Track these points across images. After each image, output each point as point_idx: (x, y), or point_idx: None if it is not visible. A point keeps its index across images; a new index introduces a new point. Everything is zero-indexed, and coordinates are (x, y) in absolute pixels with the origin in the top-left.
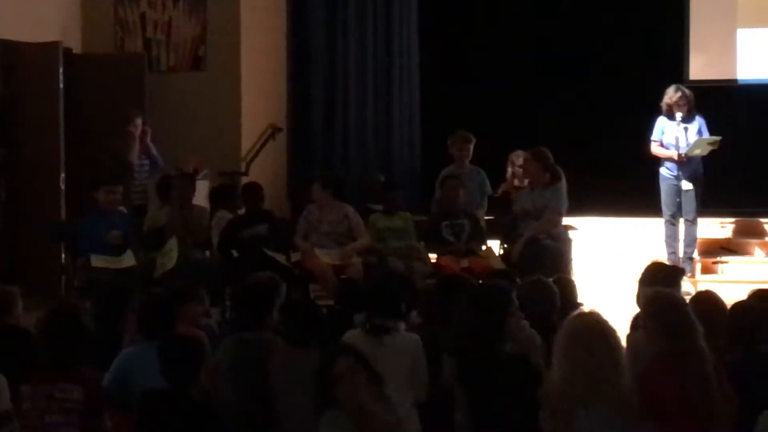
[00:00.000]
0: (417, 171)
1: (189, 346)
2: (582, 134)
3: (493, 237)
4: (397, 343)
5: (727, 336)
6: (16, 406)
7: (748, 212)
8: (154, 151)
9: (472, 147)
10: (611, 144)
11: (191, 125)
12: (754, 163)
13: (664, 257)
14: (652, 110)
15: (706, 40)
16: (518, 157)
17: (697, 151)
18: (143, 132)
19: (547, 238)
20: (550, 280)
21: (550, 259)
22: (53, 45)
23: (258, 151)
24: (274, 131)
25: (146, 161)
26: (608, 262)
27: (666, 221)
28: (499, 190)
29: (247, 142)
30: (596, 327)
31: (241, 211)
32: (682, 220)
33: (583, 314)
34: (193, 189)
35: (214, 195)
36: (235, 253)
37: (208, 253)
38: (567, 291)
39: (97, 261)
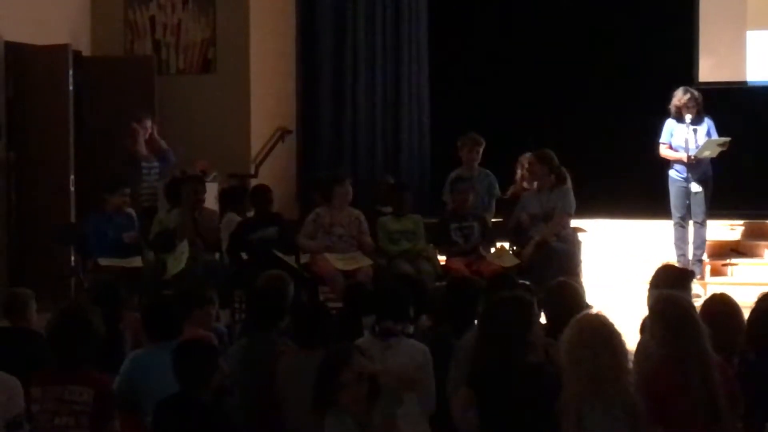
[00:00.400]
0: (426, 173)
1: (203, 350)
2: (591, 136)
3: (501, 239)
4: (404, 348)
5: (744, 339)
6: (26, 409)
7: (758, 214)
8: (164, 145)
9: (481, 149)
10: (620, 146)
11: (200, 128)
12: (764, 164)
13: (673, 259)
14: (662, 112)
15: (716, 42)
16: (527, 160)
17: (707, 153)
18: (151, 132)
19: (556, 241)
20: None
21: (559, 261)
22: (63, 48)
23: (267, 154)
24: (283, 134)
25: (156, 163)
26: (618, 265)
27: (675, 223)
28: (509, 192)
29: (256, 145)
30: (601, 328)
31: (251, 214)
32: (691, 223)
33: (589, 315)
34: (204, 191)
35: (224, 197)
36: (244, 256)
37: (217, 255)
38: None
39: (105, 261)
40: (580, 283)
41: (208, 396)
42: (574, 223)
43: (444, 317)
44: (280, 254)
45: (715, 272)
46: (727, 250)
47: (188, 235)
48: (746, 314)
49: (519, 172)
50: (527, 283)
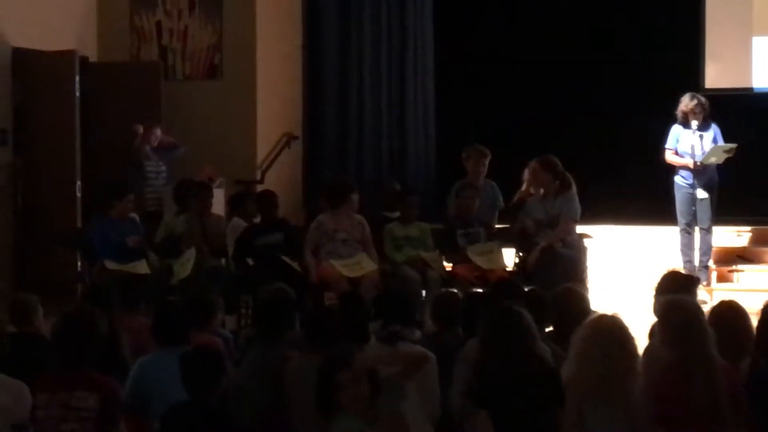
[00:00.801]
0: (431, 178)
1: (209, 357)
2: (597, 142)
3: (507, 245)
4: (410, 352)
5: (753, 346)
6: (31, 414)
7: (764, 221)
8: (170, 140)
9: (487, 161)
10: (626, 152)
11: (207, 134)
12: None
13: (679, 266)
14: (667, 118)
15: (722, 49)
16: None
17: (713, 159)
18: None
19: (562, 247)
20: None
21: (565, 267)
22: (69, 53)
23: (273, 160)
24: (289, 139)
25: (163, 168)
26: (623, 271)
27: (681, 230)
28: (515, 198)
29: (262, 151)
30: (615, 330)
31: (257, 220)
32: (697, 229)
33: (605, 316)
34: (210, 198)
35: (232, 203)
36: (250, 261)
37: (223, 261)
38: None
39: (112, 265)
40: (585, 289)
41: (215, 402)
42: (580, 229)
43: (452, 323)
44: (287, 260)
45: (722, 279)
46: (734, 257)
47: (195, 242)
48: (753, 320)
49: (526, 177)
50: (534, 288)
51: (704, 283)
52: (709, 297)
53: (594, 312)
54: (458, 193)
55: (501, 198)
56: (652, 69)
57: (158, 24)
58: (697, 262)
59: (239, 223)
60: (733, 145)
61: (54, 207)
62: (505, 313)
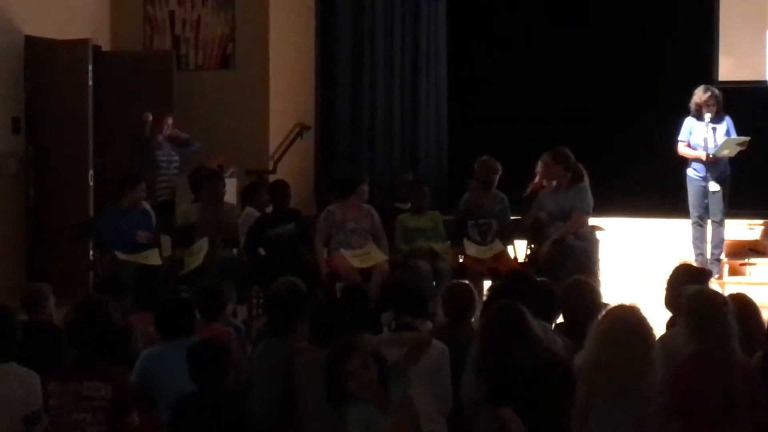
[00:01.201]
0: (443, 169)
1: (216, 350)
2: (610, 135)
3: (519, 237)
4: (413, 335)
5: (765, 339)
6: (44, 403)
7: None
8: (185, 136)
9: (497, 177)
10: (639, 145)
11: (219, 123)
12: None
13: (691, 258)
14: (681, 111)
15: (736, 41)
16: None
17: (726, 152)
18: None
19: (574, 239)
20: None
21: (577, 259)
22: (82, 42)
23: (285, 150)
24: (301, 130)
25: (176, 157)
26: (635, 263)
27: (693, 223)
28: (528, 190)
29: (274, 141)
30: (635, 320)
31: (269, 210)
32: (709, 222)
33: (625, 306)
34: (222, 185)
35: (245, 193)
36: (262, 252)
37: (235, 251)
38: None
39: (123, 255)
40: (597, 282)
41: (224, 395)
42: (592, 221)
43: (464, 315)
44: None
45: (733, 272)
46: (746, 250)
47: (208, 233)
48: (765, 314)
49: (538, 169)
50: (544, 280)
51: (716, 276)
52: (720, 290)
53: (606, 304)
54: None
55: (509, 214)
56: (666, 62)
57: (171, 14)
58: (709, 255)
59: (252, 212)
60: (746, 138)
61: (66, 196)
62: (503, 310)
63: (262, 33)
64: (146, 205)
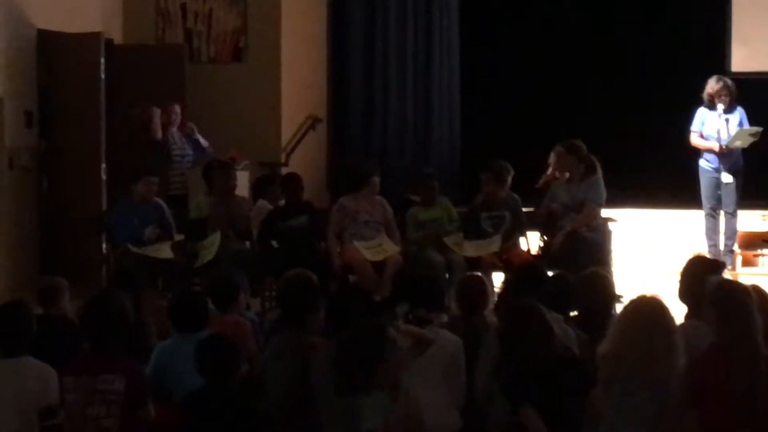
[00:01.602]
0: (456, 161)
1: (223, 346)
2: (623, 126)
3: (532, 229)
4: (438, 337)
5: None
6: (60, 397)
7: None
8: (201, 140)
9: (510, 177)
10: (652, 136)
11: (231, 116)
12: None
13: (704, 250)
14: (693, 102)
15: (749, 32)
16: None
17: (738, 143)
18: (172, 118)
19: (587, 231)
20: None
21: (589, 251)
22: (94, 36)
23: (298, 142)
24: (313, 122)
25: (189, 151)
26: (648, 255)
27: (706, 214)
28: (540, 182)
29: (287, 133)
30: (658, 309)
31: (281, 202)
32: (722, 213)
33: (648, 297)
34: (233, 175)
35: (257, 186)
36: (275, 244)
37: (248, 243)
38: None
39: (135, 248)
40: (610, 273)
41: (234, 388)
42: (605, 213)
43: (477, 307)
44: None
45: (747, 263)
46: (759, 241)
47: (221, 225)
48: None
49: (551, 161)
50: (560, 273)
51: (729, 267)
52: None
53: (619, 296)
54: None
55: (523, 214)
56: (680, 53)
57: (183, 7)
58: (722, 246)
59: (264, 205)
60: (759, 129)
61: (79, 190)
62: (524, 310)
63: (274, 26)
64: (159, 200)
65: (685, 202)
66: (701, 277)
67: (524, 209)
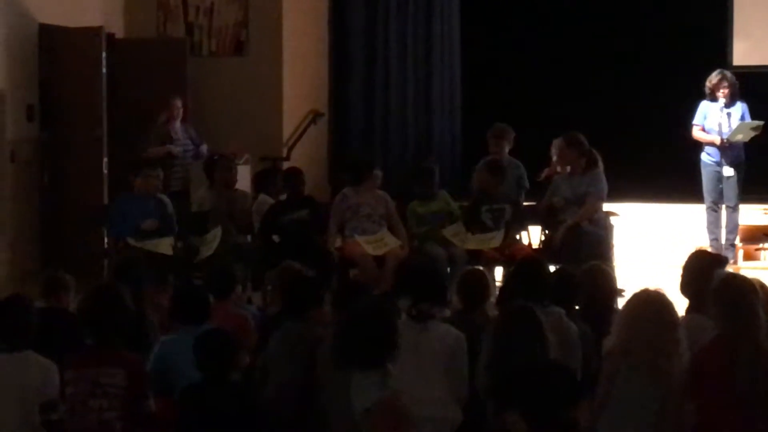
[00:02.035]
0: (457, 156)
1: (220, 340)
2: (625, 120)
3: (534, 223)
4: (440, 331)
5: None
6: (61, 391)
7: None
8: (195, 138)
9: (505, 143)
10: (653, 130)
11: (233, 110)
12: None
13: (705, 244)
14: (695, 96)
15: (750, 26)
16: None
17: (740, 137)
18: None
19: (588, 225)
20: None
21: (591, 245)
22: (96, 30)
23: (299, 136)
24: (315, 116)
25: (191, 147)
26: (650, 249)
27: (708, 208)
28: (542, 175)
29: (288, 127)
30: (663, 302)
31: (283, 196)
32: (724, 207)
33: (652, 291)
34: (233, 168)
35: (259, 180)
36: (276, 238)
37: (249, 237)
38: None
39: (134, 242)
40: (612, 267)
41: (232, 381)
42: (606, 206)
43: (479, 301)
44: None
45: (748, 257)
46: (760, 235)
47: (222, 219)
48: None
49: (553, 154)
50: (564, 267)
51: (731, 261)
52: None
53: (621, 290)
54: (486, 169)
55: (527, 178)
56: (681, 46)
57: (185, 0)
58: (723, 240)
59: (266, 199)
60: (761, 123)
61: (80, 183)
62: (518, 313)
63: (275, 19)
64: (162, 196)
65: (687, 196)
66: (703, 272)
67: (526, 203)
